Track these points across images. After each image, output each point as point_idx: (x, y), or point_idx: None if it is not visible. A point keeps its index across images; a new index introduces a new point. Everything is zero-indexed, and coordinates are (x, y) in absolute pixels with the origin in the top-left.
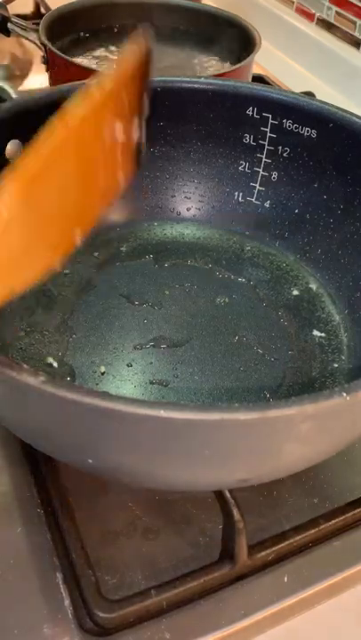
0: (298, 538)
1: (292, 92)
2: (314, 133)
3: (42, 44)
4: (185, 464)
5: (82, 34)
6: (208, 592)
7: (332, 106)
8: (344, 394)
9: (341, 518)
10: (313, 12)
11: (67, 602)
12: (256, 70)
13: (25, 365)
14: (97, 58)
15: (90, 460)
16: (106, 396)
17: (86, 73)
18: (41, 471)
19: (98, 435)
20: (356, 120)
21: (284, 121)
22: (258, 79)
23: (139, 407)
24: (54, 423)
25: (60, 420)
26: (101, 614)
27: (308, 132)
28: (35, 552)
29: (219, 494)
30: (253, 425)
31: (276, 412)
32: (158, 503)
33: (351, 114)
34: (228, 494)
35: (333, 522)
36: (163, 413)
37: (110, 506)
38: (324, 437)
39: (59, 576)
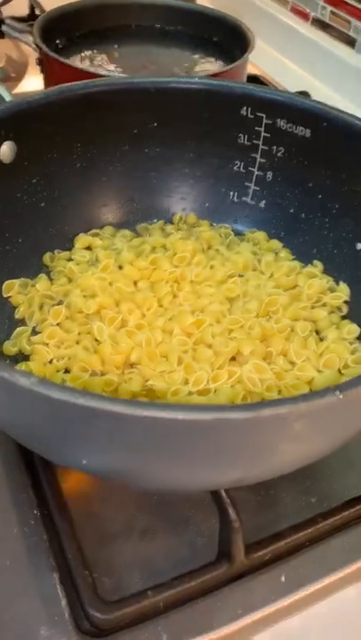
0: (295, 537)
1: (286, 92)
2: (308, 133)
3: (36, 45)
4: (179, 465)
5: (77, 35)
6: (205, 592)
7: (326, 105)
8: (338, 392)
9: (339, 517)
10: (308, 11)
11: (63, 603)
12: (252, 70)
13: (17, 367)
14: (92, 59)
15: (84, 461)
16: (98, 397)
17: (81, 74)
18: (37, 472)
19: (91, 436)
20: (350, 119)
21: (278, 120)
22: (253, 79)
23: (131, 408)
24: (47, 424)
25: (52, 421)
26: (98, 615)
27: (302, 131)
28: (31, 553)
29: (215, 494)
30: (247, 425)
31: (269, 411)
32: (155, 504)
33: (345, 113)
34: (224, 494)
35: (331, 520)
36: (156, 414)
37: (107, 507)
38: (319, 436)
39: (55, 577)
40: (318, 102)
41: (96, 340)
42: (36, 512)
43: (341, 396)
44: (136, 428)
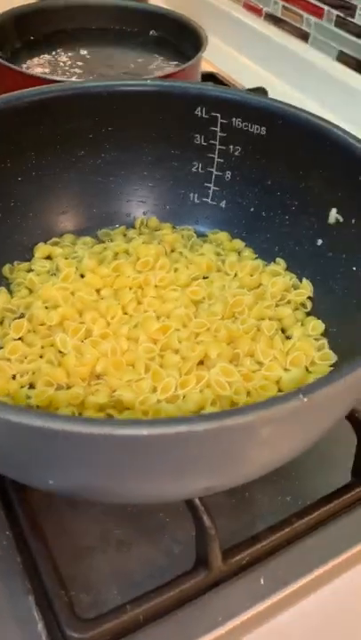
0: (272, 539)
1: (240, 90)
2: (263, 130)
3: None
4: (146, 479)
5: (28, 40)
6: (184, 601)
7: (280, 102)
8: (301, 395)
9: (314, 515)
10: (261, 7)
11: (40, 626)
12: (208, 68)
13: None
14: (44, 63)
15: (50, 482)
16: (56, 417)
17: (32, 80)
18: (8, 491)
19: (54, 457)
20: (304, 115)
21: (234, 119)
22: (209, 77)
23: (91, 427)
24: (7, 447)
25: (12, 443)
26: (76, 635)
27: (257, 129)
28: (5, 576)
29: (189, 502)
30: (213, 435)
31: (233, 420)
32: (130, 514)
33: (299, 109)
34: (197, 501)
35: (307, 519)
36: (116, 431)
37: (81, 521)
38: (287, 440)
39: (31, 599)
40: (272, 99)
41: (60, 352)
42: (8, 533)
43: (306, 400)
44: (98, 446)
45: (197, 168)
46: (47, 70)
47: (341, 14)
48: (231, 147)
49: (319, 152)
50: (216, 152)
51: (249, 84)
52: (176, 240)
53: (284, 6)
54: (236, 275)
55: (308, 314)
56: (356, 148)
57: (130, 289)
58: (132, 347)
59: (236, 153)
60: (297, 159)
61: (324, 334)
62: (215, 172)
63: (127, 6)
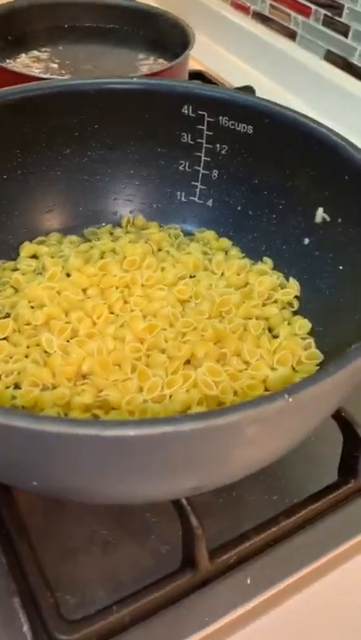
0: (259, 538)
1: (226, 89)
2: (250, 129)
3: None
4: (133, 479)
5: (13, 37)
6: (171, 602)
7: (267, 101)
8: (286, 395)
9: (301, 514)
10: (248, 5)
11: (25, 627)
12: (195, 66)
13: None
14: (30, 61)
15: (35, 483)
16: (42, 418)
17: (18, 77)
18: None
19: (39, 458)
20: (291, 114)
21: (220, 118)
22: (197, 75)
23: (77, 428)
24: None
25: None
26: (62, 637)
27: (244, 128)
28: None
29: (175, 502)
30: (199, 435)
31: (220, 420)
32: (116, 515)
33: (286, 108)
34: (184, 501)
35: (294, 518)
36: (102, 432)
37: (67, 522)
38: (272, 439)
39: (16, 601)
40: (259, 98)
41: (46, 352)
42: None
43: (291, 400)
44: (85, 447)
45: (184, 166)
46: (33, 67)
47: (329, 13)
48: (218, 145)
49: (306, 151)
50: (203, 150)
51: (237, 82)
52: (163, 239)
53: (271, 5)
54: (222, 274)
55: (295, 313)
56: (342, 148)
57: (116, 288)
58: (118, 346)
59: (223, 151)
60: (284, 158)
61: (311, 333)
62: (202, 171)
63: (115, 4)
